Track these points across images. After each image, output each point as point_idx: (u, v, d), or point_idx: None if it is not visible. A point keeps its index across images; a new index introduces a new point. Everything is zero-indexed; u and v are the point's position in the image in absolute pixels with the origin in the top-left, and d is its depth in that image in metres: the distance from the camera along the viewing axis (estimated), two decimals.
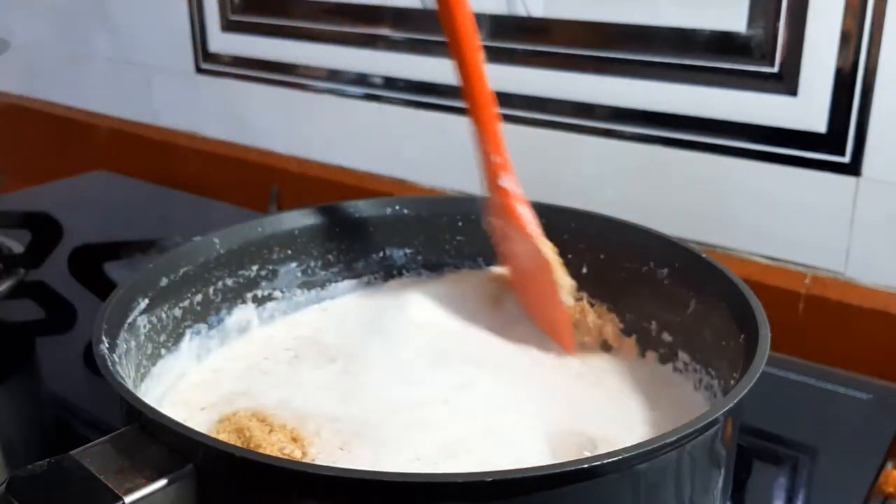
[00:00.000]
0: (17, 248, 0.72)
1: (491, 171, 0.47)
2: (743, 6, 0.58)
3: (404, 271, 0.54)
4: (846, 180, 0.58)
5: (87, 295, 0.67)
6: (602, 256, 0.49)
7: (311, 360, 0.46)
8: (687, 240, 0.47)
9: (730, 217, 0.63)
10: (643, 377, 0.45)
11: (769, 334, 0.36)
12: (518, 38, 0.69)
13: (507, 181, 0.47)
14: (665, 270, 0.46)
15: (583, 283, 0.50)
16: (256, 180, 0.89)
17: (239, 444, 0.37)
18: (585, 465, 0.28)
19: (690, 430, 0.30)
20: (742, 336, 0.38)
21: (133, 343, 0.40)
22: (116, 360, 0.37)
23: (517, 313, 0.49)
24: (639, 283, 0.48)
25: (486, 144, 0.46)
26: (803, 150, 0.59)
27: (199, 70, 0.95)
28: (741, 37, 0.59)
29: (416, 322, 0.49)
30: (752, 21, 0.58)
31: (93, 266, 0.69)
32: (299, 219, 0.50)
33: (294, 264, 0.51)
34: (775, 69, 0.58)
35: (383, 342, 0.47)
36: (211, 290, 0.47)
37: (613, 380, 0.45)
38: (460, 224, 0.52)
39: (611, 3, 0.64)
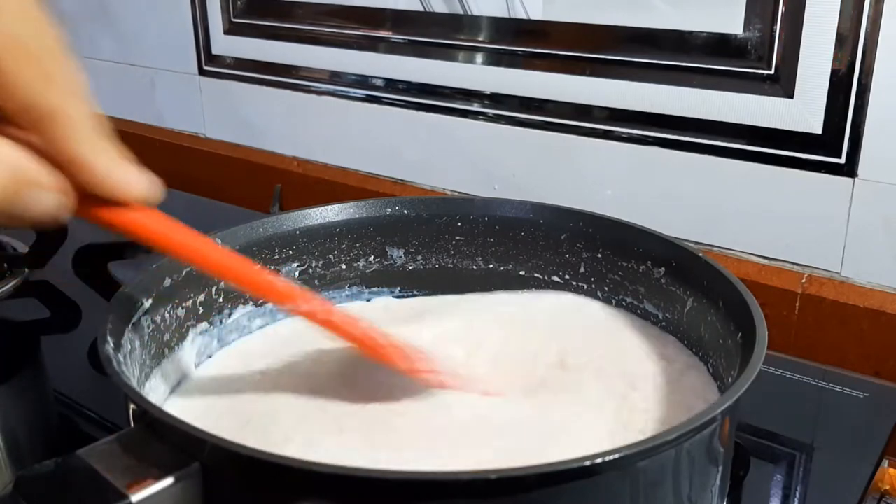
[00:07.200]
0: (22, 247, 0.72)
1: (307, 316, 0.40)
2: (739, 9, 0.58)
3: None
4: (842, 181, 0.58)
5: (91, 294, 0.67)
6: (599, 255, 0.49)
7: (312, 359, 0.47)
8: (685, 240, 0.48)
9: (727, 217, 0.64)
10: None
11: (766, 333, 0.36)
12: (518, 40, 0.70)
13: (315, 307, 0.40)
14: (662, 269, 0.46)
15: (580, 281, 0.50)
16: (259, 181, 0.90)
17: None
18: (586, 463, 0.28)
19: (688, 429, 0.31)
20: (739, 335, 0.38)
21: (137, 342, 0.40)
22: (121, 359, 0.37)
23: None
24: (636, 282, 0.48)
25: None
26: (799, 151, 0.59)
27: (202, 72, 0.95)
28: (738, 39, 0.59)
29: None
30: (748, 23, 0.58)
31: (97, 266, 0.69)
32: (300, 219, 0.51)
33: (295, 264, 0.51)
34: (771, 71, 0.58)
35: None
36: (213, 290, 0.47)
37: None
38: (460, 224, 0.53)
39: (609, 6, 0.64)
